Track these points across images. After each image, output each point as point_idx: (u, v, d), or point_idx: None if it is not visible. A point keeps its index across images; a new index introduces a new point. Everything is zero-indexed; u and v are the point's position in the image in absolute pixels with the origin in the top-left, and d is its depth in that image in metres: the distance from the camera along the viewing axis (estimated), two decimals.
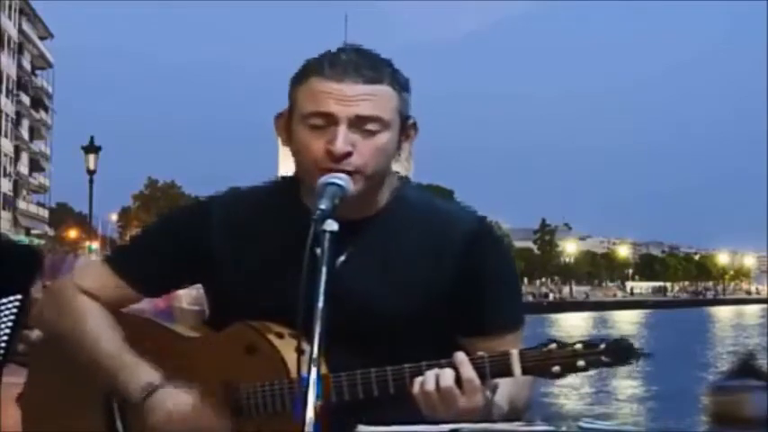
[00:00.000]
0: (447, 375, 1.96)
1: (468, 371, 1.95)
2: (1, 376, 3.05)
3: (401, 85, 2.09)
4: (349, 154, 2.02)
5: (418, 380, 1.97)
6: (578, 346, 1.91)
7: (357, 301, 2.07)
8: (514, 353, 1.93)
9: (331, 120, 2.02)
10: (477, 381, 1.95)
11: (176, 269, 2.22)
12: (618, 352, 1.90)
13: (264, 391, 2.05)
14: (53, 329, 2.28)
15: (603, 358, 1.90)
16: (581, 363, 1.91)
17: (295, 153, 2.09)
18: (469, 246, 2.11)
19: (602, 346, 1.90)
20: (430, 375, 1.96)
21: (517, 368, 1.93)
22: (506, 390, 2.01)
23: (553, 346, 1.92)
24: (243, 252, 2.15)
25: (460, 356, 1.97)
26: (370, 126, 2.03)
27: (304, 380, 1.78)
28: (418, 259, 2.10)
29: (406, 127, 2.11)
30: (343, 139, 2.01)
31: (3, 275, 3.08)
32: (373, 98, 2.03)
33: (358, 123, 2.02)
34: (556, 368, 1.92)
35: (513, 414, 2.02)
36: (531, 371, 1.93)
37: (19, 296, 3.08)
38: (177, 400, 2.10)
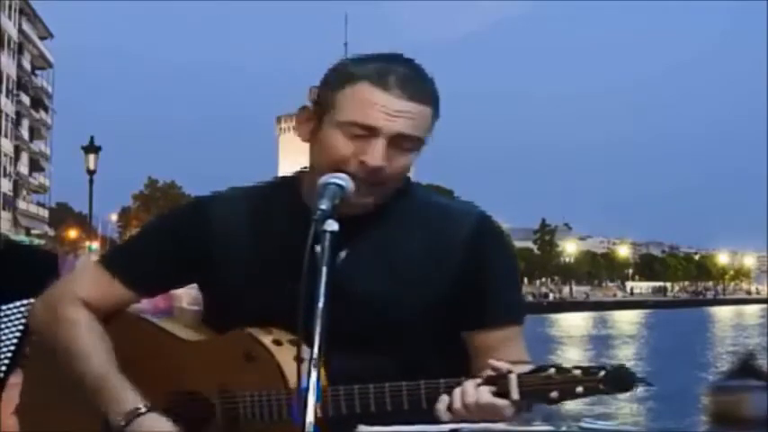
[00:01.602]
0: (457, 398, 1.94)
1: (470, 396, 1.92)
2: (8, 379, 3.05)
3: (437, 104, 2.07)
4: (382, 168, 2.01)
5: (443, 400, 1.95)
6: (577, 372, 1.89)
7: (359, 299, 2.06)
8: (513, 377, 1.92)
9: (372, 132, 2.00)
10: (478, 403, 1.92)
11: (174, 269, 2.20)
12: (617, 380, 1.88)
13: (261, 399, 2.03)
14: (45, 337, 2.26)
15: (602, 386, 1.88)
16: (579, 389, 1.89)
17: (317, 150, 2.06)
18: (471, 241, 2.10)
19: (602, 373, 1.88)
20: (441, 402, 1.94)
21: (515, 392, 1.91)
22: None
23: (552, 371, 1.90)
24: (242, 252, 2.14)
25: (468, 387, 1.94)
26: (407, 145, 2.02)
27: (303, 392, 1.76)
28: (421, 257, 2.09)
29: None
30: (381, 154, 1.99)
31: (21, 280, 3.09)
32: (417, 118, 2.02)
33: (397, 141, 2.01)
34: (554, 394, 1.90)
35: None
36: (529, 395, 1.91)
37: (32, 300, 3.08)
38: (162, 428, 2.08)
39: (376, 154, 1.99)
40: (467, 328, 2.12)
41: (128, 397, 2.11)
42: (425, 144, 2.09)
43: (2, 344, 3.11)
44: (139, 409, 2.09)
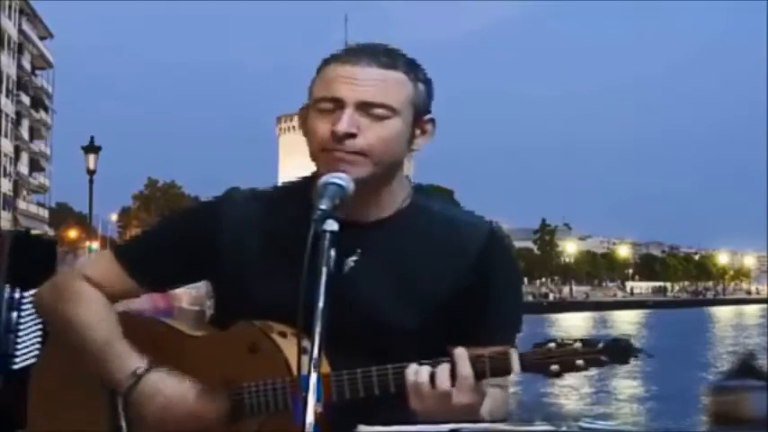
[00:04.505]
0: (442, 368, 1.95)
1: (466, 368, 1.95)
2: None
3: (418, 77, 2.09)
4: (353, 135, 2.01)
5: (413, 369, 1.96)
6: (577, 344, 1.91)
7: (365, 309, 2.06)
8: (513, 351, 1.93)
9: (339, 104, 2.02)
10: (471, 379, 1.95)
11: (179, 265, 2.21)
12: (616, 350, 1.90)
13: (266, 389, 2.04)
14: (50, 313, 2.27)
15: (602, 357, 1.90)
16: (580, 361, 1.91)
17: (307, 139, 2.09)
18: (480, 257, 2.10)
19: (601, 344, 1.90)
20: (425, 368, 1.96)
21: (516, 366, 1.93)
22: (488, 403, 2.02)
23: (552, 345, 1.92)
24: (249, 251, 2.14)
25: (460, 352, 1.96)
26: (377, 111, 2.03)
27: (303, 379, 1.78)
28: (428, 270, 2.09)
29: (421, 121, 2.10)
30: (347, 120, 2.01)
31: (30, 266, 3.12)
32: (384, 84, 2.03)
33: (365, 108, 2.02)
34: (555, 367, 1.91)
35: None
36: (530, 369, 1.93)
37: None
38: (168, 384, 2.09)
39: (343, 120, 2.01)
40: (459, 341, 2.07)
41: (132, 359, 2.12)
42: (427, 120, 2.10)
43: (30, 329, 3.14)
44: (144, 368, 2.10)
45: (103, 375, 2.14)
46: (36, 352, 3.11)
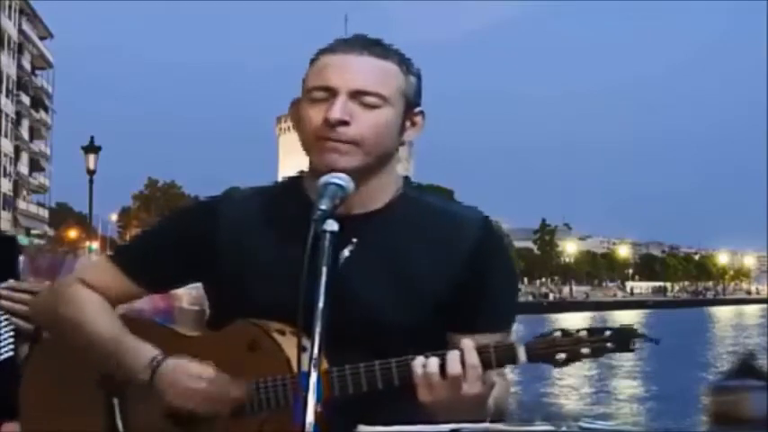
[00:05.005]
0: (453, 355, 1.96)
1: (474, 357, 1.95)
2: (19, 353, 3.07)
3: (410, 69, 2.10)
4: (345, 123, 2.02)
5: (420, 360, 1.96)
6: (583, 333, 1.93)
7: (364, 309, 2.06)
8: (519, 342, 1.94)
9: (332, 92, 2.04)
10: (480, 369, 1.95)
11: (177, 265, 2.21)
12: (622, 337, 1.92)
13: (267, 387, 2.04)
14: (52, 319, 2.27)
15: (608, 345, 1.91)
16: (586, 350, 1.92)
17: (298, 130, 2.09)
18: (475, 249, 2.10)
19: (607, 332, 1.92)
20: (434, 358, 1.97)
21: (522, 356, 1.93)
22: (494, 391, 2.02)
23: (558, 334, 1.93)
24: (249, 251, 2.14)
25: (467, 342, 1.97)
26: (370, 100, 2.04)
27: (303, 377, 1.78)
28: (423, 262, 2.09)
29: (412, 113, 2.11)
30: (339, 107, 2.02)
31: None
32: (376, 72, 2.05)
33: (358, 96, 2.04)
34: (561, 355, 1.92)
35: (496, 416, 2.03)
36: (537, 358, 1.94)
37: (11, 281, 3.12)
38: (187, 369, 2.09)
39: (335, 107, 2.02)
40: (456, 330, 2.10)
41: (145, 350, 2.12)
42: (417, 112, 2.11)
43: (1, 324, 3.14)
44: (160, 357, 2.10)
45: (117, 370, 2.14)
46: (11, 346, 3.11)
